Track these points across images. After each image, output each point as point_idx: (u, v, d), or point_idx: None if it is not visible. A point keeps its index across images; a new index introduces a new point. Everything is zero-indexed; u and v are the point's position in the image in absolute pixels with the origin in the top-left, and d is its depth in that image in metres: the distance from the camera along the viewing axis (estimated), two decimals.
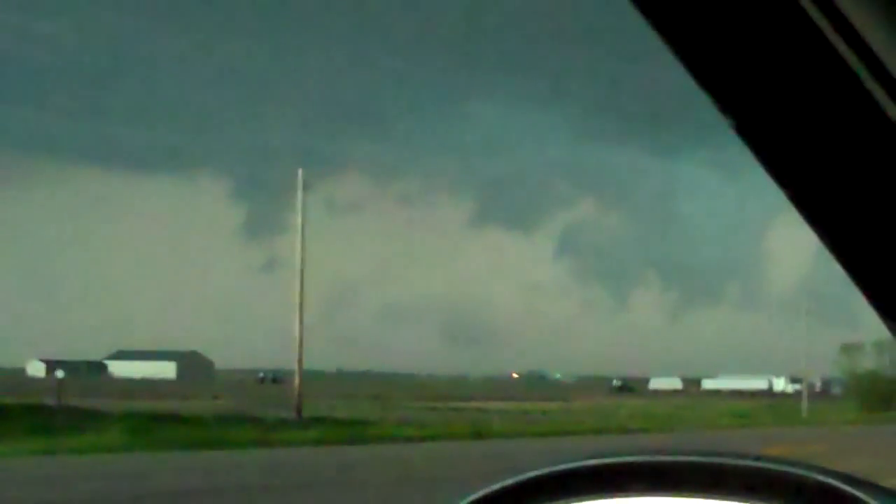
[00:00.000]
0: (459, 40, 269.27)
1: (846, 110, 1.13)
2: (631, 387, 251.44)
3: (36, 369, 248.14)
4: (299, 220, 63.21)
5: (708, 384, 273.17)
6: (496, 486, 1.59)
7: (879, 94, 1.09)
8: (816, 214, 1.22)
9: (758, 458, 1.44)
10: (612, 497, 1.52)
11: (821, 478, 1.36)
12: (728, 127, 1.16)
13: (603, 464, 1.54)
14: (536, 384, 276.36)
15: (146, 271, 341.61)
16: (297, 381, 62.99)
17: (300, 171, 64.08)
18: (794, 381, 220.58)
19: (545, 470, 1.57)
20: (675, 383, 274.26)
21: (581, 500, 1.54)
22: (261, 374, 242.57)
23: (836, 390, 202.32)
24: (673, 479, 1.49)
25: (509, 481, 1.58)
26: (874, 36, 1.06)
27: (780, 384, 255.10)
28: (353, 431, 53.63)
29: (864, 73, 1.08)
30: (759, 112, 1.16)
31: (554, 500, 1.55)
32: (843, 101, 1.12)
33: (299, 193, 63.50)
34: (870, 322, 1.33)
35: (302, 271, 62.58)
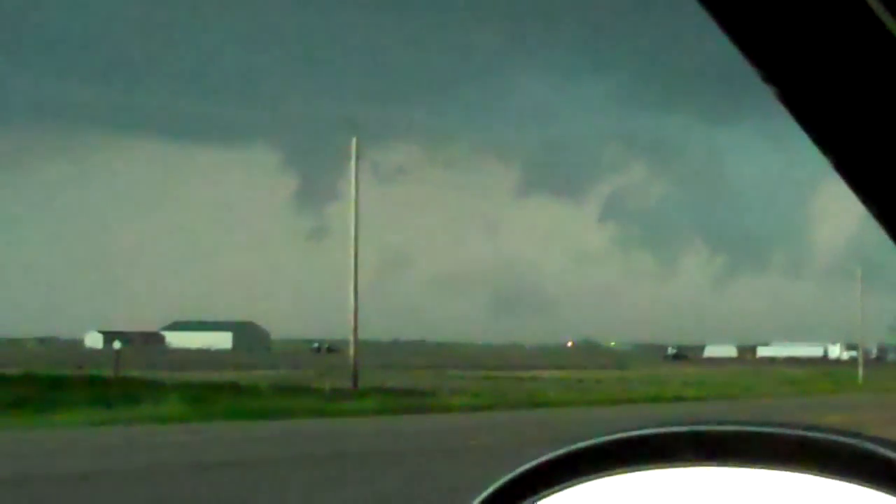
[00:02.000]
0: (510, 11, 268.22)
1: (887, 75, 1.12)
2: (685, 354, 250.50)
3: (94, 340, 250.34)
4: (353, 189, 63.19)
5: (763, 351, 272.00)
6: (543, 459, 1.59)
7: None
8: (860, 181, 1.21)
9: (808, 427, 1.42)
10: (657, 467, 1.52)
11: (870, 446, 1.36)
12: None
13: (648, 434, 1.53)
14: (591, 352, 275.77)
15: (201, 242, 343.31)
16: (352, 350, 63.09)
17: (354, 140, 64.00)
18: (849, 348, 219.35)
19: (589, 441, 1.57)
20: (729, 351, 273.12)
21: (628, 471, 1.54)
22: (316, 344, 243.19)
23: (892, 357, 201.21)
24: (719, 448, 1.48)
25: (556, 453, 1.58)
26: None
27: (836, 351, 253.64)
28: (409, 401, 53.70)
29: None
30: (802, 80, 1.15)
31: (602, 471, 1.55)
32: (884, 66, 1.11)
33: (353, 162, 63.48)
34: None
35: (356, 241, 62.61)
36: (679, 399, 66.26)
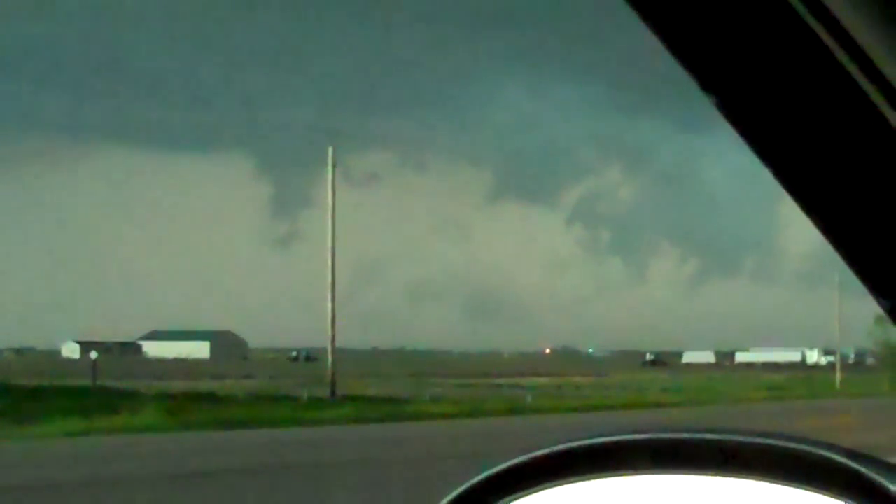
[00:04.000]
0: (485, 18, 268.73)
1: (819, 82, 1.13)
2: (663, 361, 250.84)
3: (71, 350, 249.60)
4: (329, 198, 63.15)
5: (741, 357, 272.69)
6: (500, 467, 1.60)
7: (852, 68, 1.09)
8: (799, 189, 1.21)
9: (761, 435, 1.44)
10: (615, 475, 1.53)
11: (823, 452, 1.36)
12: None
13: (606, 441, 1.55)
14: (570, 359, 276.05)
15: (178, 252, 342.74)
16: (329, 359, 63.05)
17: (330, 149, 64.00)
18: (827, 353, 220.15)
19: (548, 449, 1.58)
20: (707, 357, 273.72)
21: (586, 478, 1.55)
22: (294, 353, 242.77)
23: (870, 362, 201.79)
24: (675, 456, 1.50)
25: (513, 461, 1.59)
26: (843, 12, 1.06)
27: (814, 356, 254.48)
28: (387, 409, 53.71)
29: (838, 52, 1.08)
30: (737, 88, 1.15)
31: (559, 479, 1.57)
32: (816, 73, 1.12)
33: (330, 171, 63.43)
34: None
35: (333, 249, 62.58)
36: (658, 405, 66.33)
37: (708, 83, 1.15)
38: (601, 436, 1.57)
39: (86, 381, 70.20)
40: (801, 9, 1.07)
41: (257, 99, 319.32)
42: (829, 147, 1.17)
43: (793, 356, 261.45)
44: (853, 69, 1.09)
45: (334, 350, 62.69)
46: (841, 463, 1.35)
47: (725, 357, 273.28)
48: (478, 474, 1.61)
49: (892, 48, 1.05)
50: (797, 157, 1.19)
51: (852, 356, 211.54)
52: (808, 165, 1.19)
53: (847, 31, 1.05)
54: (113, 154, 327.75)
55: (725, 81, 1.15)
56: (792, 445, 1.41)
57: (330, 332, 62.51)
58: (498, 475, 1.60)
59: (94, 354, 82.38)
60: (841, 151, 1.17)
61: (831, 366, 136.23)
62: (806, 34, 1.08)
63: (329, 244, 62.68)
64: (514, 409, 57.74)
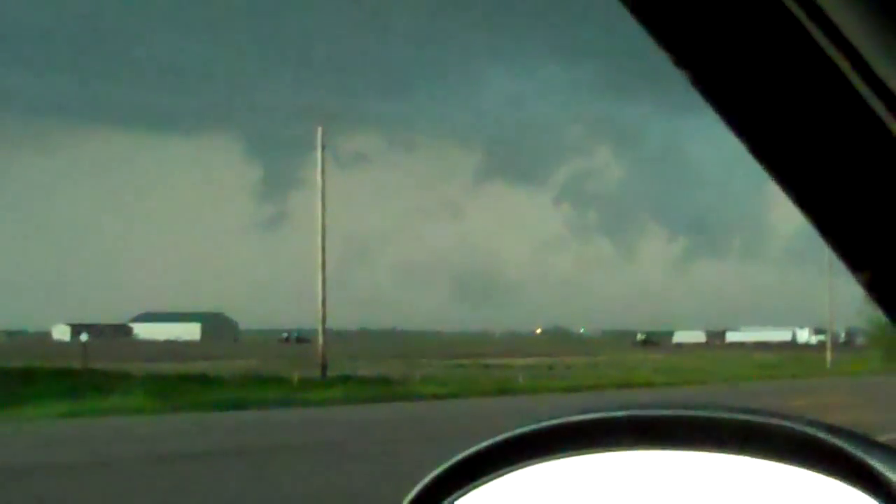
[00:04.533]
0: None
1: (793, 58, 1.13)
2: (654, 341, 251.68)
3: (61, 333, 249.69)
4: (319, 179, 63.09)
5: (732, 337, 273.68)
6: (482, 445, 1.60)
7: (835, 56, 1.09)
8: (775, 165, 1.21)
9: (741, 410, 1.42)
10: (598, 451, 1.53)
11: (805, 429, 1.37)
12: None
13: (588, 419, 1.54)
14: (561, 339, 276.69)
15: (168, 235, 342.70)
16: (320, 340, 63.10)
17: (319, 130, 63.88)
18: (818, 332, 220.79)
19: (531, 426, 1.58)
20: (698, 336, 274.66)
21: (569, 455, 1.55)
22: (285, 334, 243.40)
23: (861, 341, 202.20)
24: (657, 432, 1.49)
25: (495, 439, 1.59)
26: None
27: (804, 336, 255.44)
28: (377, 390, 53.82)
29: (808, 25, 1.08)
30: (711, 63, 1.15)
31: (543, 456, 1.57)
32: (789, 48, 1.12)
33: (319, 152, 63.35)
34: None
35: (323, 231, 62.58)
36: (649, 385, 66.49)
37: (680, 58, 1.14)
38: (585, 412, 1.56)
39: (76, 364, 70.16)
40: None
41: (246, 81, 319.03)
42: (802, 121, 1.18)
43: (783, 335, 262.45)
44: (825, 43, 1.09)
45: (325, 331, 62.77)
46: (821, 438, 1.34)
47: (716, 336, 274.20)
48: (469, 448, 1.61)
49: (864, 25, 1.04)
50: (770, 131, 1.19)
51: (843, 335, 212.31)
52: (780, 139, 1.20)
53: (821, 8, 1.05)
54: (103, 136, 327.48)
55: (698, 56, 1.15)
56: (773, 421, 1.39)
57: (321, 314, 62.56)
58: (480, 453, 1.60)
59: (84, 337, 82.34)
60: (814, 126, 1.18)
61: (822, 345, 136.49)
62: (780, 10, 1.08)
63: (319, 226, 62.67)
64: (506, 389, 57.88)
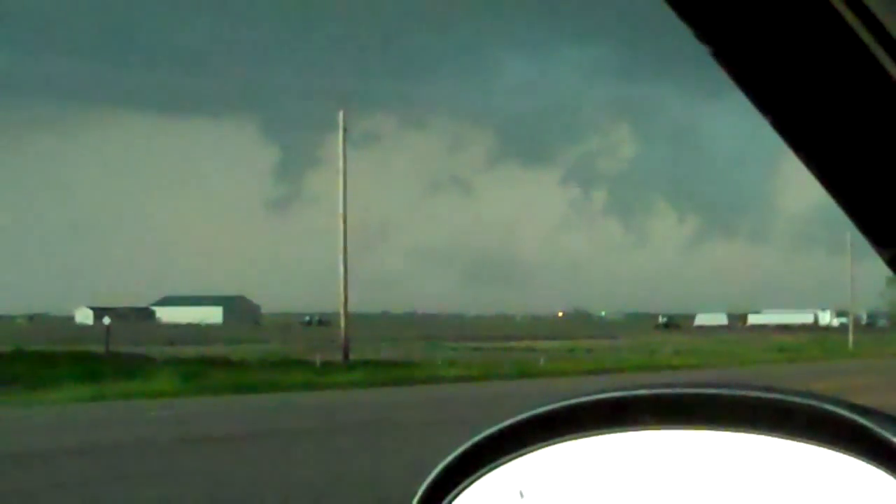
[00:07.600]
0: None
1: (819, 31, 1.12)
2: (676, 323, 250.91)
3: (84, 316, 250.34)
4: (341, 162, 62.96)
5: (754, 319, 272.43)
6: (505, 424, 1.59)
7: (847, 14, 1.08)
8: (798, 140, 1.21)
9: (765, 389, 1.41)
10: (618, 430, 1.53)
11: (829, 407, 1.34)
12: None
13: (609, 397, 1.53)
14: (582, 322, 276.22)
15: (190, 217, 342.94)
16: (342, 323, 63.03)
17: (341, 113, 63.75)
18: (839, 314, 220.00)
19: (551, 405, 1.57)
20: (720, 319, 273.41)
21: (589, 434, 1.54)
22: (307, 318, 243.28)
23: (882, 323, 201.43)
24: (679, 411, 1.48)
25: (517, 418, 1.58)
26: None
27: (826, 318, 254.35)
28: (399, 373, 53.81)
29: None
30: (734, 37, 1.15)
31: (564, 435, 1.56)
32: (815, 22, 1.11)
33: (341, 135, 63.21)
34: None
35: (345, 214, 62.45)
36: (670, 367, 66.35)
37: (703, 32, 1.13)
38: (605, 391, 1.55)
39: (99, 347, 70.32)
40: None
41: (264, 64, 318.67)
42: (826, 95, 1.17)
43: (805, 318, 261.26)
44: (848, 15, 1.07)
45: (347, 314, 62.68)
46: (846, 417, 1.32)
47: (738, 319, 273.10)
48: (490, 427, 1.60)
49: None
50: (793, 105, 1.18)
51: (865, 317, 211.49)
52: (805, 113, 1.19)
53: None
54: (125, 120, 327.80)
55: (720, 30, 1.14)
56: (797, 400, 1.38)
57: (342, 297, 62.47)
58: (502, 431, 1.59)
59: (107, 320, 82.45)
60: (839, 99, 1.17)
61: (844, 327, 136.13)
62: None
63: (341, 209, 62.57)
64: (527, 372, 57.79)
